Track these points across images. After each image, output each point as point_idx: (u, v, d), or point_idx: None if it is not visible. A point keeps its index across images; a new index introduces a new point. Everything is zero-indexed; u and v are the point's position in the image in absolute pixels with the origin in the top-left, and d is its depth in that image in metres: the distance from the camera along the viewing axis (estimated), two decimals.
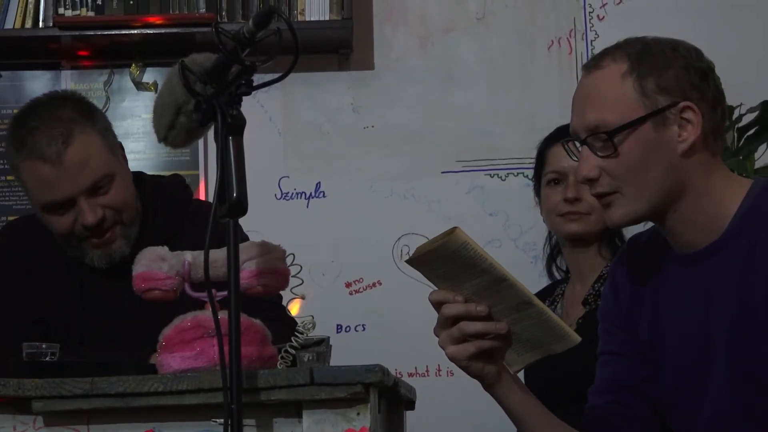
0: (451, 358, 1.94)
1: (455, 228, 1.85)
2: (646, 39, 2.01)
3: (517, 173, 3.88)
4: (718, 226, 1.98)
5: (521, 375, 2.13)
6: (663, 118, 1.94)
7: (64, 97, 2.63)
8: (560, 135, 2.92)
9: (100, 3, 3.75)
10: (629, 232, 2.78)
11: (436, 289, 1.96)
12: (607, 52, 2.00)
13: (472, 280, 1.89)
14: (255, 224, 2.66)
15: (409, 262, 1.92)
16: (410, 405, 2.50)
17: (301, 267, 2.12)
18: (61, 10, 3.73)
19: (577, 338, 1.92)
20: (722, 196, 1.98)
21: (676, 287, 2.03)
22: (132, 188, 2.62)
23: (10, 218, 3.72)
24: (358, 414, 1.85)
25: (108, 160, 2.55)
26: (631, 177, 1.95)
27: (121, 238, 2.57)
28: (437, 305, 1.94)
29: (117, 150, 2.61)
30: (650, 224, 2.09)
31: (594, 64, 2.00)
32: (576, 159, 2.02)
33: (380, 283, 3.86)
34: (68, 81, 3.85)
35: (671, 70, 1.95)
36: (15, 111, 3.84)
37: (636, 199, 1.96)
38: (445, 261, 1.88)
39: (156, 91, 3.70)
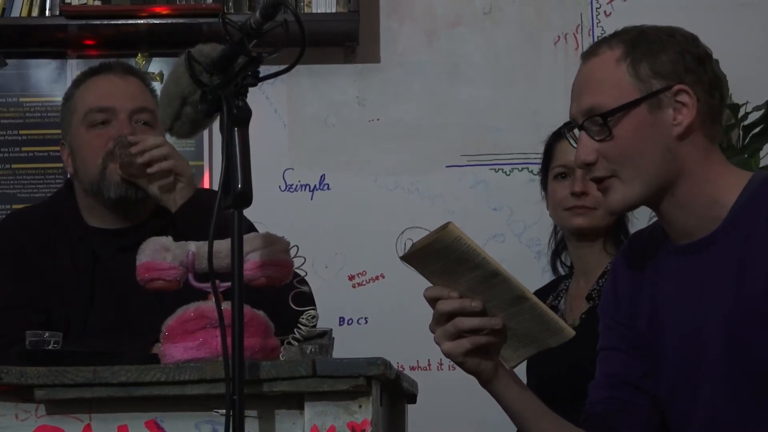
0: (447, 354, 1.94)
1: (448, 223, 1.85)
2: (643, 27, 2.04)
3: (522, 168, 3.88)
4: (715, 214, 1.98)
5: (521, 371, 2.12)
6: (657, 101, 1.96)
7: None
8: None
9: None
10: (634, 228, 2.78)
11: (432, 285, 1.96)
12: (603, 40, 2.04)
13: (467, 275, 1.89)
14: (259, 216, 2.67)
15: (404, 258, 1.91)
16: (412, 399, 2.51)
17: (305, 259, 2.11)
18: None
19: (571, 332, 1.92)
20: (719, 183, 1.99)
21: (674, 278, 2.04)
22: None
23: (15, 207, 3.72)
24: (360, 407, 1.85)
25: (155, 110, 2.68)
26: (627, 159, 1.96)
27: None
28: (432, 301, 1.94)
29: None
30: (653, 221, 2.09)
31: (591, 51, 2.04)
32: (575, 145, 2.03)
33: (383, 277, 3.86)
34: (74, 70, 3.84)
35: (665, 55, 1.97)
36: (20, 99, 3.89)
37: (632, 182, 1.97)
38: (440, 256, 1.88)
39: (162, 82, 3.70)
